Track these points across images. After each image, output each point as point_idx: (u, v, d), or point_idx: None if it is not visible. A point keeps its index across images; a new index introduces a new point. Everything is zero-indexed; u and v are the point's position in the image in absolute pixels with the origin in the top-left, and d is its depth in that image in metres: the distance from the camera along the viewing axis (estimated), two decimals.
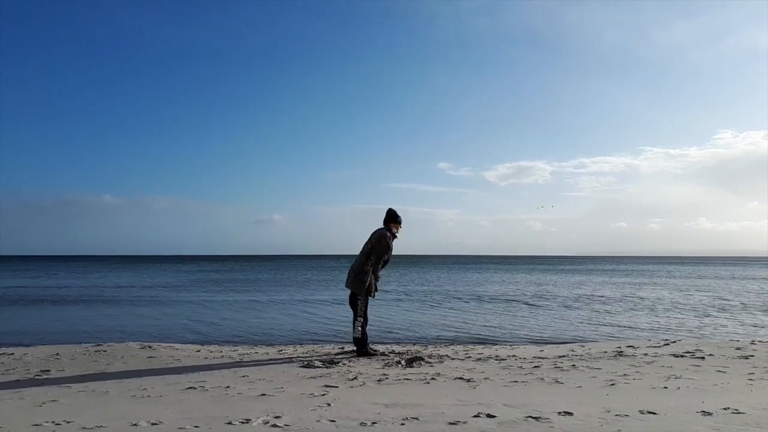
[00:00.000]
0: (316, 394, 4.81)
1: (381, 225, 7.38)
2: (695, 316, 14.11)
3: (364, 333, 7.12)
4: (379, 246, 7.14)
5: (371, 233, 7.33)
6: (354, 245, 7.49)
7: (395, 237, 7.36)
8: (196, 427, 3.78)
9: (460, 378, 5.54)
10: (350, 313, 7.20)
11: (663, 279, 35.15)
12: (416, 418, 3.95)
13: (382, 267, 7.31)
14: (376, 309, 13.64)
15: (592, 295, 21.45)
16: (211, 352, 7.74)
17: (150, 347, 8.07)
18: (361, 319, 7.09)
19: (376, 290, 7.28)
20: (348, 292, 7.28)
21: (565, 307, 16.67)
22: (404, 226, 7.45)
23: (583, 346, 8.22)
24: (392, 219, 7.35)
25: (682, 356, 6.88)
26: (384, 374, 5.76)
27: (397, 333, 10.84)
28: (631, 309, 16.00)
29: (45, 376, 5.87)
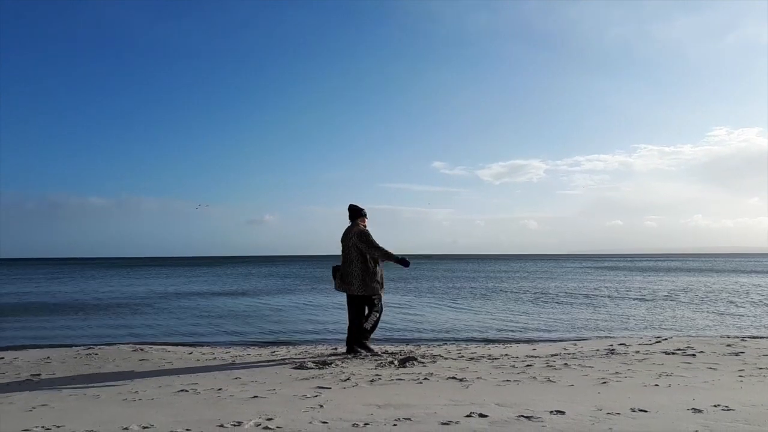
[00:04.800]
0: (308, 395, 4.81)
1: (352, 222, 7.21)
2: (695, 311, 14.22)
3: (375, 327, 7.10)
4: (368, 242, 7.02)
5: (346, 233, 7.17)
6: None
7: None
8: (187, 430, 3.76)
9: (453, 378, 5.55)
10: (339, 315, 7.14)
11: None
12: (409, 419, 3.95)
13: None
14: None
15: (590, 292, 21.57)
16: (203, 354, 7.71)
17: (142, 349, 8.03)
18: (378, 314, 7.08)
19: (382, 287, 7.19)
20: (343, 295, 7.18)
21: (568, 304, 16.76)
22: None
23: (575, 345, 8.26)
24: (359, 214, 7.22)
25: (673, 353, 6.93)
26: (377, 375, 5.76)
27: (389, 333, 10.83)
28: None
29: (35, 380, 5.82)
